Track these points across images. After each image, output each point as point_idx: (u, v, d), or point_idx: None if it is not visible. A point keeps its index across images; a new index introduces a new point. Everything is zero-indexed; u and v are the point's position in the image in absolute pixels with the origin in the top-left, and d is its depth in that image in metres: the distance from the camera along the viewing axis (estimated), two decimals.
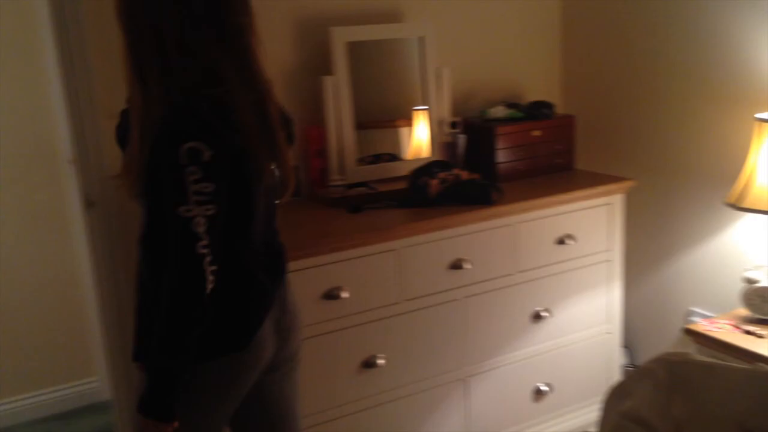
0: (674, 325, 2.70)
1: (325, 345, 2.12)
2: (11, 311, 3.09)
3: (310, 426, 2.13)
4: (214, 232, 1.40)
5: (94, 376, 3.32)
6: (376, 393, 2.25)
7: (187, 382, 1.47)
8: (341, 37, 2.40)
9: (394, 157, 2.62)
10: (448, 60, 2.65)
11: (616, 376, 2.68)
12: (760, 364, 1.70)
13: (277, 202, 1.68)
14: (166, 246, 1.41)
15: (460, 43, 2.78)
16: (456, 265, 2.28)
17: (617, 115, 2.86)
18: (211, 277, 1.40)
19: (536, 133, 2.67)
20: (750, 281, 2.28)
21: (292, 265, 2.00)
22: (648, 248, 2.81)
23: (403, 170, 2.51)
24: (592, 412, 2.58)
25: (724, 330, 2.27)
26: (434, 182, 2.32)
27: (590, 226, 2.52)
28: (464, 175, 2.40)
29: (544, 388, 2.54)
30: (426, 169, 2.37)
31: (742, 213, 2.33)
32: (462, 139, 2.59)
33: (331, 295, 2.09)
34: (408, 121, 2.65)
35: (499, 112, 2.68)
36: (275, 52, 2.44)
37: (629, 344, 2.90)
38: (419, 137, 2.64)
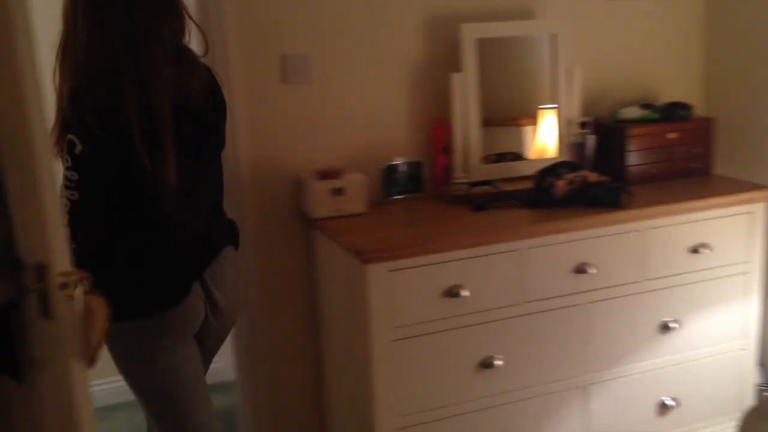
0: None
1: (443, 342, 2.12)
2: None
3: (424, 422, 2.14)
4: (78, 216, 1.65)
5: (217, 357, 3.45)
6: (492, 394, 2.22)
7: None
8: (472, 33, 2.39)
9: (519, 156, 2.58)
10: (579, 58, 2.58)
11: (749, 395, 2.52)
12: None
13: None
14: None
15: (593, 40, 2.70)
16: (580, 269, 2.22)
17: (763, 118, 2.68)
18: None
19: (672, 135, 2.56)
20: None
21: (413, 261, 2.03)
22: None
23: (527, 170, 2.46)
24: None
25: None
26: (561, 183, 2.27)
27: (728, 235, 2.39)
28: (592, 177, 2.34)
29: (669, 402, 2.43)
30: (552, 169, 2.32)
31: None
32: (591, 140, 2.52)
33: (452, 292, 2.08)
34: (533, 120, 2.60)
35: (632, 112, 2.59)
36: (404, 48, 2.47)
37: (765, 362, 2.72)
38: (545, 137, 2.59)
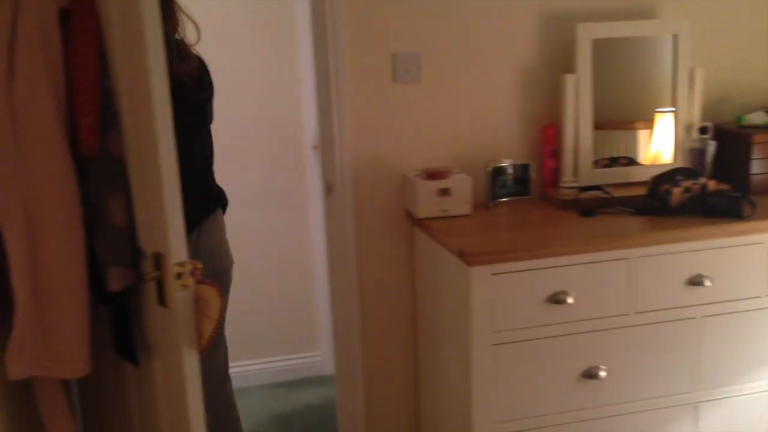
0: None
1: (545, 349, 2.07)
2: (251, 283, 3.37)
3: (521, 430, 2.10)
4: None
5: (318, 351, 3.53)
6: (595, 406, 2.15)
7: None
8: (588, 33, 2.33)
9: (632, 161, 2.49)
10: (701, 60, 2.47)
11: None
12: None
13: None
14: None
15: (717, 41, 2.57)
16: (695, 282, 2.12)
17: None
18: None
19: None
20: None
21: (518, 265, 1.99)
22: None
23: (641, 176, 2.38)
24: None
25: None
26: (677, 190, 2.18)
27: None
28: (711, 185, 2.23)
29: None
30: (668, 176, 2.23)
31: None
32: (711, 146, 2.40)
33: (557, 299, 2.03)
34: (648, 124, 2.50)
35: (759, 118, 2.45)
36: (516, 48, 2.43)
37: None
38: (661, 141, 2.49)
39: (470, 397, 2.06)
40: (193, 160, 2.04)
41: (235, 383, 3.43)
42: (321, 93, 2.34)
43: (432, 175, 2.27)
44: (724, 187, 2.27)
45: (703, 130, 2.42)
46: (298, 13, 3.17)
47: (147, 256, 1.64)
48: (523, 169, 2.37)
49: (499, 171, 2.34)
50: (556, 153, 2.42)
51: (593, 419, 2.16)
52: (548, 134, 2.43)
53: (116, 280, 1.62)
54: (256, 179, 3.29)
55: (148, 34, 1.36)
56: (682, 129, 2.44)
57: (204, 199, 2.17)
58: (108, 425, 2.19)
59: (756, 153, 2.37)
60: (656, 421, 2.21)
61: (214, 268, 2.11)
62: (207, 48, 3.14)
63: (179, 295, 1.54)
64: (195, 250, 1.98)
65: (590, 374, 2.11)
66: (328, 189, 2.41)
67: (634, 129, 2.54)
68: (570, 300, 2.04)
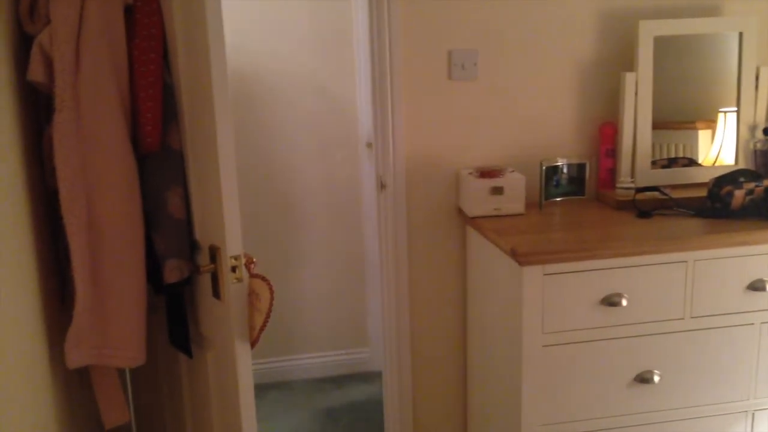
0: None
1: (597, 352, 2.04)
2: (302, 278, 3.40)
3: None
4: None
5: (366, 348, 3.54)
6: (646, 411, 2.11)
7: None
8: (650, 31, 2.27)
9: (692, 161, 2.43)
10: (767, 58, 2.39)
11: None
12: None
13: None
14: None
15: None
16: (755, 287, 2.05)
17: None
18: None
19: None
20: None
21: (571, 266, 1.96)
22: None
23: (701, 177, 2.32)
24: None
25: None
26: (739, 193, 2.11)
27: None
28: None
29: None
30: (730, 177, 2.16)
31: None
32: None
33: (611, 301, 2.00)
34: (709, 124, 2.44)
35: None
36: (574, 45, 2.40)
37: None
38: (723, 142, 2.42)
39: (519, 398, 2.04)
40: None
41: (282, 377, 3.48)
42: (375, 90, 2.34)
43: (485, 173, 2.25)
44: None
45: (767, 131, 2.35)
46: (355, 11, 3.18)
47: (203, 249, 1.67)
48: (578, 169, 2.33)
49: (553, 170, 2.31)
50: (612, 152, 2.38)
51: (645, 424, 2.12)
52: (605, 133, 2.38)
53: (173, 271, 1.64)
54: (311, 176, 3.31)
55: (211, 30, 1.38)
56: (746, 129, 2.37)
57: None
58: (160, 415, 2.23)
59: None
60: (710, 428, 2.16)
61: None
62: (267, 46, 3.19)
63: (234, 288, 1.56)
64: None
65: (643, 378, 2.07)
66: (382, 186, 2.41)
67: (695, 129, 2.47)
68: (624, 302, 2.01)
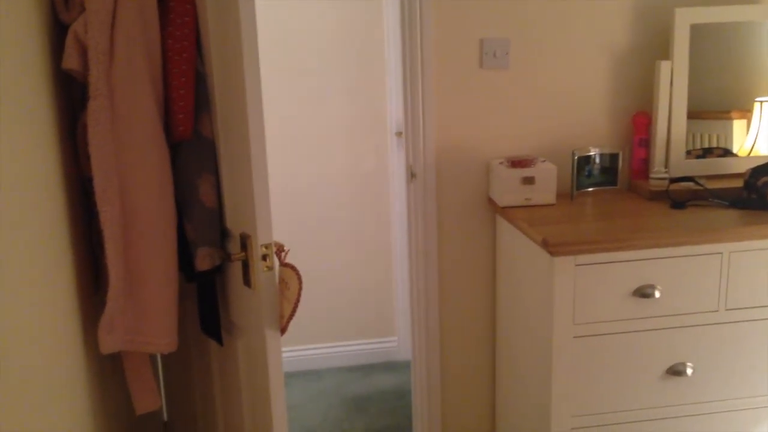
0: None
1: (629, 344, 2.02)
2: (330, 268, 3.41)
3: (599, 425, 2.05)
4: None
5: (394, 337, 3.54)
6: (678, 404, 2.09)
7: None
8: (686, 19, 2.23)
9: (728, 152, 2.39)
10: None
11: None
12: None
13: None
14: None
15: None
16: None
17: None
18: None
19: None
20: None
21: (603, 257, 1.94)
22: None
23: (737, 168, 2.28)
24: None
25: None
26: None
27: None
28: None
29: None
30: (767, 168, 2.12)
31: None
32: None
33: (644, 293, 1.97)
34: (744, 113, 2.39)
35: None
36: (608, 33, 2.36)
37: None
38: (759, 132, 2.37)
39: (549, 388, 2.03)
40: None
41: (311, 366, 3.50)
42: (407, 79, 2.33)
43: (516, 163, 2.23)
44: None
45: None
46: (385, 1, 3.17)
47: (234, 237, 1.67)
48: (611, 159, 2.30)
49: (585, 160, 2.28)
50: (646, 142, 2.34)
51: (677, 417, 2.10)
52: (638, 123, 2.35)
53: (205, 259, 1.66)
54: (340, 165, 3.32)
55: (244, 19, 1.38)
56: None
57: None
58: (190, 401, 2.25)
59: None
60: (744, 421, 2.13)
61: None
62: (296, 35, 3.19)
63: (264, 276, 1.57)
64: None
65: (675, 371, 2.05)
66: (412, 176, 2.40)
67: (730, 119, 2.43)
68: (657, 294, 1.98)
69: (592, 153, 2.29)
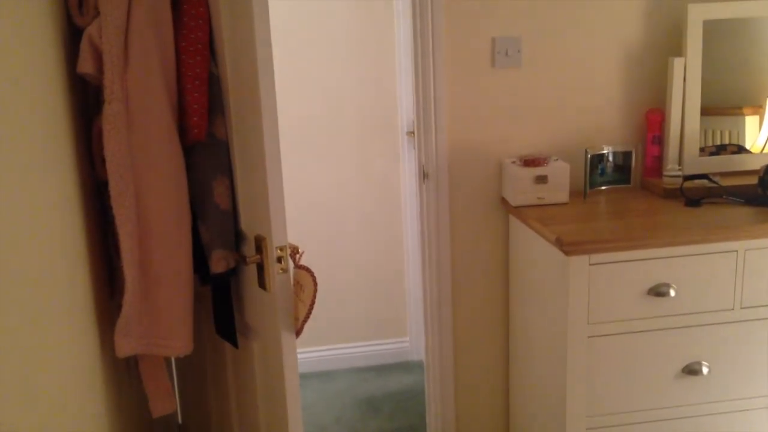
0: None
1: (643, 343, 2.01)
2: (343, 268, 3.41)
3: (614, 425, 2.05)
4: None
5: (406, 337, 3.54)
6: (693, 403, 2.08)
7: None
8: (699, 14, 2.22)
9: (742, 148, 2.38)
10: None
11: None
12: None
13: None
14: None
15: None
16: None
17: None
18: None
19: None
20: None
21: (618, 255, 1.93)
22: None
23: (751, 164, 2.26)
24: None
25: None
26: None
27: None
28: None
29: None
30: None
31: None
32: None
33: (658, 291, 1.96)
34: (756, 110, 2.38)
35: None
36: (620, 30, 2.35)
37: None
38: None
39: (564, 388, 2.02)
40: None
41: (324, 366, 3.50)
42: (418, 79, 2.33)
43: (529, 161, 2.23)
44: None
45: None
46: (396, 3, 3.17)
47: (248, 239, 1.67)
48: (624, 157, 2.29)
49: (598, 158, 2.27)
50: (659, 139, 2.33)
51: (693, 416, 2.09)
52: (651, 120, 2.34)
53: (220, 261, 1.66)
54: (351, 164, 3.32)
55: (257, 21, 1.38)
56: None
57: None
58: (205, 404, 2.25)
59: None
60: (759, 420, 2.11)
61: None
62: (308, 35, 3.19)
63: (279, 278, 1.57)
64: None
65: (691, 370, 2.04)
66: (424, 176, 2.39)
67: (742, 115, 2.42)
68: (672, 293, 1.97)
69: (605, 151, 2.28)
